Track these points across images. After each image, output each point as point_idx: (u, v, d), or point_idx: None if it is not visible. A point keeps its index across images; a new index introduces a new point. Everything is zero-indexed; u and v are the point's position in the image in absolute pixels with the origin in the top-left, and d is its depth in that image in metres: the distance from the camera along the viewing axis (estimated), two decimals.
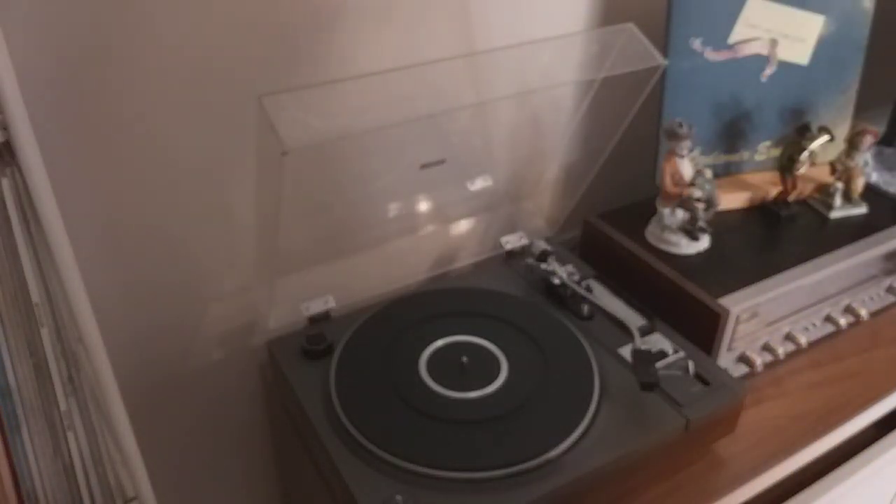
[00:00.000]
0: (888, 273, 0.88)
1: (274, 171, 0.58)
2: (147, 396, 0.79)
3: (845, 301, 0.86)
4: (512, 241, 0.90)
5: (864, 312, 0.86)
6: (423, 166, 0.77)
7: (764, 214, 0.92)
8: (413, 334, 0.75)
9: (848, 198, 0.91)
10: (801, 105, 0.94)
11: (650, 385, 0.67)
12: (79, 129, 0.64)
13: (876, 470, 0.84)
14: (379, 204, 0.81)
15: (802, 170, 0.90)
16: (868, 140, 0.88)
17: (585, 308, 0.79)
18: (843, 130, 0.94)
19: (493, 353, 0.73)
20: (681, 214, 0.84)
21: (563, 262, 0.84)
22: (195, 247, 0.74)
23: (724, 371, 0.72)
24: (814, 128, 0.91)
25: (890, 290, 0.89)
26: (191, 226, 0.73)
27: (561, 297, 0.81)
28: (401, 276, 0.86)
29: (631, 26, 0.72)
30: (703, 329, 0.76)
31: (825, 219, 0.91)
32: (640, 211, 0.90)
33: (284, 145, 0.54)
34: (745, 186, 0.94)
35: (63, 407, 0.58)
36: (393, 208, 0.83)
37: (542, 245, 0.86)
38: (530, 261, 0.85)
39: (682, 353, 0.73)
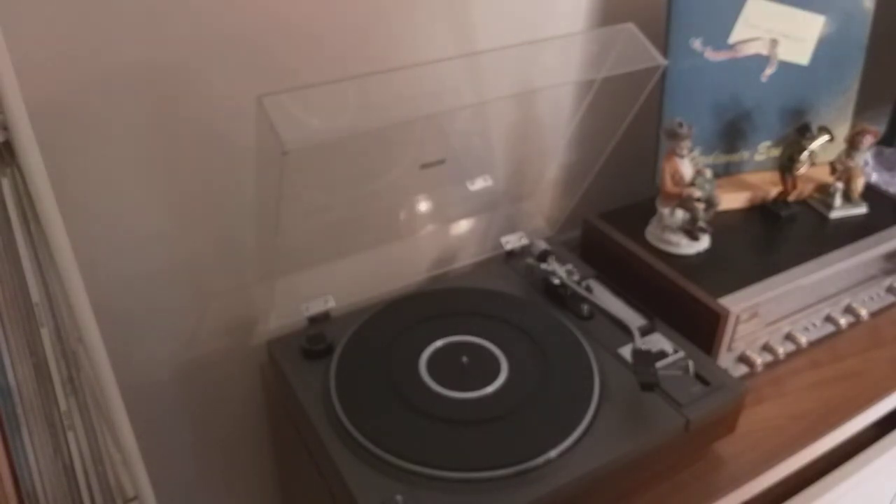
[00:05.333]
0: (888, 273, 0.88)
1: (274, 171, 0.57)
2: (147, 397, 0.79)
3: (845, 301, 0.86)
4: (512, 241, 0.90)
5: (864, 312, 0.86)
6: (423, 166, 0.77)
7: (764, 214, 0.92)
8: (413, 334, 0.75)
9: (848, 198, 0.91)
10: (801, 105, 0.94)
11: (650, 385, 0.67)
12: (80, 127, 0.64)
13: (876, 470, 0.84)
14: (379, 204, 0.81)
15: (802, 170, 0.90)
16: (868, 140, 0.88)
17: (585, 308, 0.79)
18: (843, 130, 0.94)
19: (493, 353, 0.73)
20: (681, 214, 0.84)
21: (563, 262, 0.84)
22: (195, 247, 0.74)
23: (724, 371, 0.72)
24: (814, 128, 0.91)
25: (890, 290, 0.89)
26: (190, 226, 0.73)
27: (561, 297, 0.81)
28: (401, 276, 0.86)
29: (631, 26, 0.72)
30: (703, 329, 0.76)
31: (825, 219, 0.91)
32: (640, 211, 0.90)
33: (284, 145, 0.54)
34: (745, 186, 0.94)
35: (63, 407, 0.58)
36: (393, 208, 0.83)
37: (542, 245, 0.86)
38: (530, 261, 0.85)
39: (682, 353, 0.73)
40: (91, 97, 0.63)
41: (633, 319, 0.76)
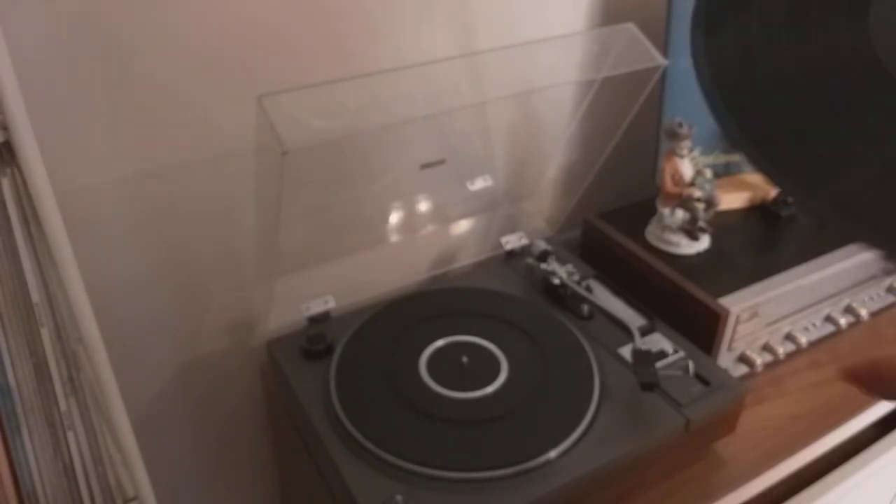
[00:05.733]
0: (888, 273, 0.88)
1: (274, 171, 0.58)
2: (147, 397, 0.79)
3: (845, 301, 0.86)
4: (512, 241, 0.90)
5: (864, 312, 0.85)
6: (423, 166, 0.77)
7: (764, 214, 0.92)
8: (413, 334, 0.75)
9: None
10: None
11: (650, 385, 0.67)
12: (81, 126, 0.64)
13: (876, 470, 0.84)
14: (379, 204, 0.81)
15: None
16: None
17: (585, 308, 0.79)
18: None
19: (493, 353, 0.73)
20: (681, 214, 0.84)
21: (563, 262, 0.84)
22: (195, 247, 0.74)
23: (724, 371, 0.72)
24: None
25: (890, 290, 0.89)
26: (190, 226, 0.73)
27: (561, 297, 0.81)
28: (401, 276, 0.86)
29: (631, 26, 0.72)
30: (703, 329, 0.76)
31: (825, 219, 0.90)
32: (640, 211, 0.90)
33: (284, 145, 0.54)
34: (745, 186, 0.93)
35: (63, 407, 0.58)
36: (393, 208, 0.83)
37: (542, 245, 0.86)
38: (530, 261, 0.85)
39: (682, 353, 0.73)
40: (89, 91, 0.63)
41: (633, 319, 0.76)
